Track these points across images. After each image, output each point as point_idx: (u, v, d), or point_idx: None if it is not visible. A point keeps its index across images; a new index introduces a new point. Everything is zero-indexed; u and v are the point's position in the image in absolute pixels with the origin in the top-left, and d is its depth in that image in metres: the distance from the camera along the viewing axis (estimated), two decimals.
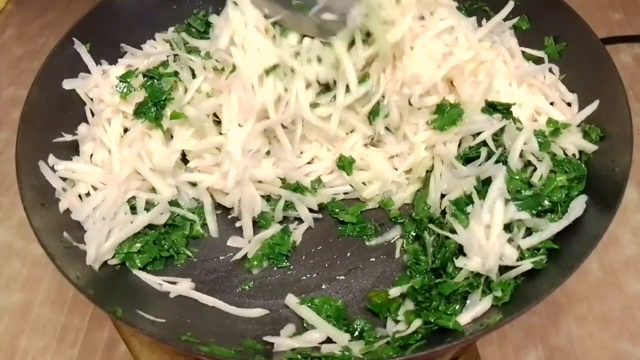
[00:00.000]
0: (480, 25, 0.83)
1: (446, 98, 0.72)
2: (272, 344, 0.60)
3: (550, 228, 0.61)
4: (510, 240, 0.62)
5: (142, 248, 0.68)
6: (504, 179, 0.63)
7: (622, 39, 1.00)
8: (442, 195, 0.69)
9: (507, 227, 0.62)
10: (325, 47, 0.69)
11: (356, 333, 0.62)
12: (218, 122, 0.74)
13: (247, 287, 0.68)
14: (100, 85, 0.76)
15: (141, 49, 0.82)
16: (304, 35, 0.71)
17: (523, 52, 0.78)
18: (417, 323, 0.59)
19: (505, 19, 0.80)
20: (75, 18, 0.79)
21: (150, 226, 0.70)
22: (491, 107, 0.71)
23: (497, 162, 0.65)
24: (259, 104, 0.70)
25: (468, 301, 0.60)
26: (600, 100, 0.69)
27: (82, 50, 0.77)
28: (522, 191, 0.63)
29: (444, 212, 0.67)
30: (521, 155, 0.65)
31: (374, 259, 0.70)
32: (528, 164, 0.66)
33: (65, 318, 0.75)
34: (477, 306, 0.59)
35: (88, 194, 0.71)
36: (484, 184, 0.64)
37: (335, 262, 0.70)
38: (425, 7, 0.73)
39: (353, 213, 0.73)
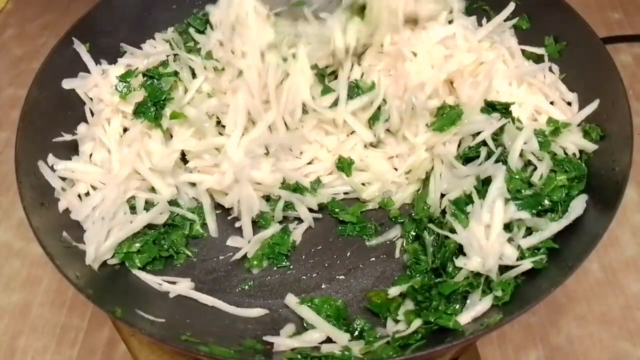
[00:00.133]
0: (480, 24, 0.83)
1: (446, 100, 0.72)
2: (272, 343, 0.60)
3: (551, 227, 0.61)
4: (510, 240, 0.61)
5: (142, 248, 0.68)
6: (504, 179, 0.63)
7: (622, 39, 1.00)
8: (442, 195, 0.69)
9: (507, 227, 0.62)
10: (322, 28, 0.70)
11: (356, 333, 0.62)
12: (217, 121, 0.74)
13: (246, 286, 0.68)
14: (99, 85, 0.76)
15: (141, 48, 0.82)
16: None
17: (523, 51, 0.78)
18: (417, 323, 0.59)
19: (505, 19, 0.79)
20: (75, 18, 0.79)
21: (149, 226, 0.70)
22: (490, 107, 0.71)
23: (496, 161, 0.65)
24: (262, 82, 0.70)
25: (468, 301, 0.60)
26: (601, 99, 0.69)
27: (82, 49, 0.77)
28: (522, 191, 0.63)
29: (443, 212, 0.67)
30: (521, 155, 0.65)
31: (373, 259, 0.70)
32: (528, 163, 0.66)
33: (65, 318, 0.75)
34: (477, 306, 0.59)
35: (87, 194, 0.71)
36: (484, 184, 0.64)
37: (335, 261, 0.70)
38: None
39: (353, 213, 0.73)
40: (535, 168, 0.64)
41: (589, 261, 0.75)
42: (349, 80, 0.74)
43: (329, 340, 0.61)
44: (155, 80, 0.74)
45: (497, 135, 0.68)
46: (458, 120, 0.70)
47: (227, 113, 0.73)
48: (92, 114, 0.77)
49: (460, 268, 0.61)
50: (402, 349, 0.56)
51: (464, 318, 0.58)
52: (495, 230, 0.61)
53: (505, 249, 0.60)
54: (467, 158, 0.69)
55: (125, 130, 0.75)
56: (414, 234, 0.69)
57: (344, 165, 0.73)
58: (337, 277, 0.68)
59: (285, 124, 0.73)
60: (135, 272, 0.67)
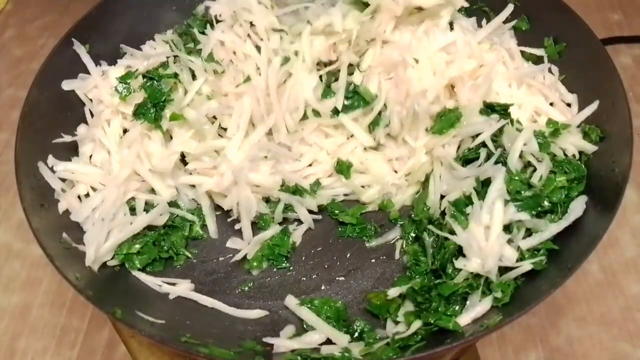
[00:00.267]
0: (480, 25, 0.83)
1: (446, 104, 0.72)
2: (272, 345, 0.60)
3: (550, 229, 0.61)
4: (510, 241, 0.61)
5: (142, 249, 0.68)
6: (504, 180, 0.63)
7: (622, 40, 1.00)
8: (442, 197, 0.69)
9: (507, 228, 0.62)
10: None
11: (356, 334, 0.61)
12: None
13: (246, 288, 0.68)
14: (99, 86, 0.76)
15: (141, 50, 0.82)
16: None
17: (522, 53, 0.78)
18: (417, 324, 0.59)
19: (505, 21, 0.79)
20: (75, 19, 0.79)
21: (149, 227, 0.70)
22: (489, 109, 0.71)
23: (496, 162, 0.65)
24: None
25: (468, 302, 0.60)
26: (600, 101, 0.69)
27: (82, 51, 0.77)
28: (522, 192, 0.63)
29: (443, 213, 0.67)
30: (521, 156, 0.65)
31: (373, 260, 0.70)
32: (528, 164, 0.66)
33: (65, 319, 0.75)
34: (477, 307, 0.59)
35: (87, 195, 0.70)
36: (484, 185, 0.64)
37: (335, 263, 0.70)
38: None
39: (353, 214, 0.72)
40: (535, 169, 0.64)
41: (589, 262, 0.75)
42: (350, 84, 0.73)
43: (328, 341, 0.61)
44: (155, 81, 0.73)
45: (496, 136, 0.68)
46: (457, 122, 0.70)
47: (229, 116, 0.72)
48: (92, 115, 0.76)
49: (460, 269, 0.61)
50: (402, 351, 0.56)
51: (464, 319, 0.58)
52: (495, 232, 0.61)
53: (505, 250, 0.60)
54: (466, 159, 0.69)
55: (125, 131, 0.75)
56: (413, 235, 0.69)
57: (343, 169, 0.73)
58: (337, 278, 0.68)
59: (286, 126, 0.73)
60: (135, 273, 0.67)
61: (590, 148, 0.67)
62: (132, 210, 0.70)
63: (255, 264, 0.69)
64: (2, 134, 0.94)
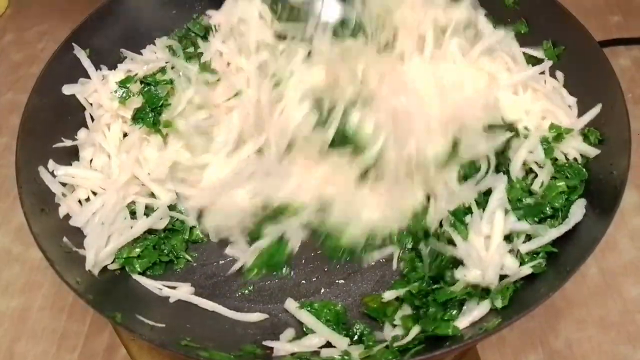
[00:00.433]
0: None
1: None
2: (272, 348, 0.60)
3: (550, 234, 0.61)
4: (509, 244, 0.61)
5: (142, 253, 0.68)
6: (505, 189, 0.62)
7: (620, 42, 1.00)
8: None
9: (507, 237, 0.62)
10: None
11: (355, 337, 0.61)
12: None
13: (246, 291, 0.68)
14: (99, 90, 0.76)
15: (141, 54, 0.82)
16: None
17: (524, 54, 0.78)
18: (415, 330, 0.59)
19: (505, 24, 0.79)
20: (75, 23, 0.79)
21: (149, 231, 0.70)
22: (495, 128, 0.69)
23: (497, 171, 0.65)
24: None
25: (465, 307, 0.60)
26: (599, 103, 0.70)
27: (82, 55, 0.77)
28: (523, 199, 0.63)
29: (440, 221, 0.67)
30: (523, 163, 0.65)
31: (373, 263, 0.69)
32: (529, 170, 0.66)
33: (65, 323, 0.75)
34: (475, 311, 0.58)
35: (88, 199, 0.71)
36: (484, 194, 0.64)
37: (335, 266, 0.70)
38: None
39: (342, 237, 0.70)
40: (536, 175, 0.64)
41: (588, 265, 0.75)
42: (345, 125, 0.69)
43: (328, 344, 0.61)
44: (152, 86, 0.74)
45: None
46: (456, 156, 0.68)
47: (218, 127, 0.72)
48: (93, 119, 0.77)
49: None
50: (401, 354, 0.56)
51: (462, 323, 0.58)
52: (496, 242, 0.60)
53: (505, 260, 0.60)
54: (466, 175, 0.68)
55: (125, 135, 0.75)
56: (409, 246, 0.68)
57: (325, 207, 0.69)
58: (337, 281, 0.68)
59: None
60: (136, 277, 0.67)
61: (592, 151, 0.67)
62: (133, 214, 0.70)
63: (254, 272, 0.68)
64: (2, 138, 0.94)
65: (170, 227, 0.71)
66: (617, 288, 0.75)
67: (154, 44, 0.84)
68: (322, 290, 0.67)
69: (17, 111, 0.71)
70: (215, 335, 0.61)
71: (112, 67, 0.80)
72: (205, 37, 0.84)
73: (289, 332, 0.63)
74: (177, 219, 0.72)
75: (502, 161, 0.68)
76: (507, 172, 0.66)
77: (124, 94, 0.74)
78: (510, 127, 0.70)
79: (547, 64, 0.75)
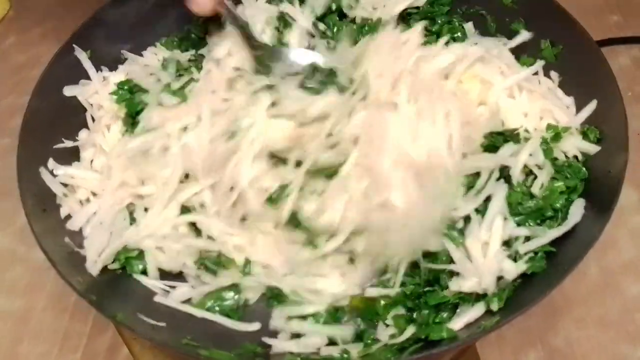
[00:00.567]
0: (476, 29, 0.83)
1: None
2: (271, 346, 0.60)
3: (550, 234, 0.61)
4: (508, 247, 0.61)
5: (141, 253, 0.68)
6: (505, 196, 0.62)
7: (620, 41, 1.00)
8: None
9: (506, 242, 0.62)
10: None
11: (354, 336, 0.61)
12: None
13: None
14: (100, 91, 0.77)
15: (142, 55, 0.82)
16: None
17: (518, 59, 0.78)
18: (410, 330, 0.58)
19: (501, 25, 0.79)
20: (76, 25, 0.79)
21: None
22: (496, 143, 0.68)
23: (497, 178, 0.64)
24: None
25: (459, 309, 0.59)
26: (597, 102, 0.70)
27: (83, 57, 0.78)
28: (523, 203, 0.63)
29: None
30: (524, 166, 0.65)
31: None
32: (529, 172, 0.66)
33: (67, 323, 0.76)
34: (470, 313, 0.58)
35: (88, 200, 0.71)
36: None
37: None
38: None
39: None
40: (536, 177, 0.65)
41: (588, 264, 0.75)
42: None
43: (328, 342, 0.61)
44: (130, 93, 0.75)
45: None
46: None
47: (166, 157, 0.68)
48: (94, 120, 0.77)
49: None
50: (400, 352, 0.56)
51: (457, 324, 0.57)
52: (494, 248, 0.60)
53: (504, 265, 0.59)
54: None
55: None
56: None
57: (274, 295, 0.64)
58: None
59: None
60: (137, 276, 0.67)
61: (592, 149, 0.67)
62: (132, 214, 0.70)
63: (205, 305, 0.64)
64: (4, 140, 0.94)
65: None
66: (616, 286, 0.75)
67: (155, 45, 0.85)
68: None
69: (19, 113, 0.71)
70: (216, 334, 0.62)
71: (113, 68, 0.81)
72: (205, 39, 0.85)
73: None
74: None
75: (502, 167, 0.67)
76: (507, 177, 0.66)
77: (123, 95, 0.75)
78: (511, 133, 0.69)
79: (540, 64, 0.75)
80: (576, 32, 0.74)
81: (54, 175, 0.70)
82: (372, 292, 0.62)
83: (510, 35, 0.81)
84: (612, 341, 0.71)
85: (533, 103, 0.73)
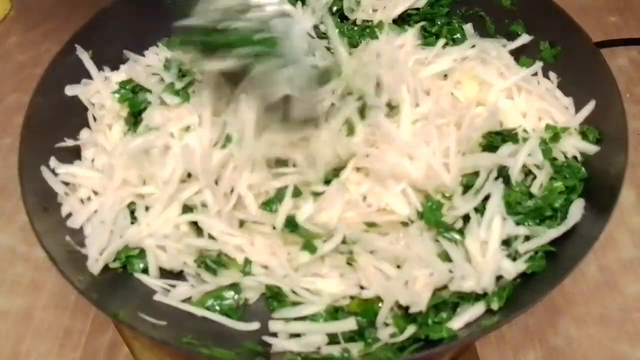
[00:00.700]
0: (476, 29, 0.83)
1: None
2: (272, 345, 0.60)
3: (549, 234, 0.61)
4: (507, 247, 0.62)
5: (142, 252, 0.68)
6: (502, 196, 0.63)
7: (619, 42, 1.01)
8: None
9: (505, 241, 0.62)
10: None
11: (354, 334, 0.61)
12: None
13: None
14: (101, 91, 0.77)
15: (144, 55, 0.83)
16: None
17: (517, 60, 0.78)
18: (410, 330, 0.58)
19: (499, 26, 0.80)
20: (78, 25, 0.80)
21: None
22: (494, 143, 0.68)
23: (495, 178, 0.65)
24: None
25: (459, 309, 0.60)
26: (596, 103, 0.70)
27: (85, 56, 0.78)
28: (523, 203, 0.63)
29: None
30: (522, 166, 0.66)
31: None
32: (528, 172, 0.67)
33: (68, 321, 0.76)
34: (469, 312, 0.58)
35: (89, 199, 0.71)
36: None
37: None
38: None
39: None
40: (535, 177, 0.65)
41: (587, 263, 0.75)
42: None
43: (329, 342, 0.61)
44: (132, 92, 0.75)
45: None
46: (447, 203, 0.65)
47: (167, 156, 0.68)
48: (95, 119, 0.77)
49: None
50: (400, 351, 0.56)
51: (457, 324, 0.57)
52: (493, 248, 0.60)
53: (503, 264, 0.60)
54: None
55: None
56: None
57: (274, 294, 0.64)
58: None
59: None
60: (137, 275, 0.67)
61: (591, 149, 0.67)
62: (133, 214, 0.70)
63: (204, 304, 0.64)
64: (6, 139, 0.95)
65: None
66: (616, 286, 0.75)
67: (157, 45, 0.85)
68: None
69: (21, 112, 0.72)
70: (216, 333, 0.62)
71: (115, 68, 0.81)
72: None
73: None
74: None
75: (500, 167, 0.68)
76: (506, 177, 0.66)
77: (125, 94, 0.76)
78: (509, 133, 0.70)
79: (538, 65, 0.76)
80: (575, 33, 0.74)
81: (56, 174, 0.70)
82: (367, 293, 0.62)
83: (510, 36, 0.81)
84: (611, 341, 0.71)
85: (531, 104, 0.73)
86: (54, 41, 1.07)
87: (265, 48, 0.60)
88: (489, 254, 0.60)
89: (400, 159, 0.65)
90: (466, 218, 0.64)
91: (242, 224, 0.67)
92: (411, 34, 0.79)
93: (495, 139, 0.69)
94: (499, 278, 0.60)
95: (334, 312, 0.63)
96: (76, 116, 0.77)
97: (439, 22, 0.85)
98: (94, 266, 0.64)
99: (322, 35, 0.85)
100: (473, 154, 0.68)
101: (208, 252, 0.67)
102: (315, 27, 0.85)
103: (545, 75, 0.77)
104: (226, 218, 0.66)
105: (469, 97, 0.73)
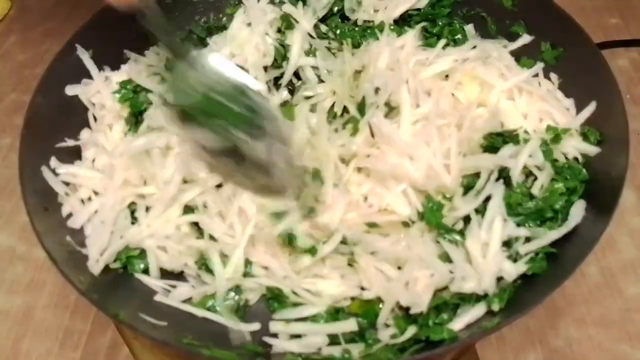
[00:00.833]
0: (477, 30, 0.83)
1: None
2: (272, 346, 0.60)
3: (550, 236, 0.61)
4: (508, 248, 0.62)
5: (143, 252, 0.68)
6: (503, 197, 0.63)
7: (619, 43, 1.01)
8: None
9: (506, 242, 0.62)
10: None
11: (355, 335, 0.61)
12: None
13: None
14: (102, 91, 0.77)
15: (144, 55, 0.83)
16: None
17: (518, 60, 0.78)
18: (411, 331, 0.58)
19: (500, 27, 0.79)
20: (78, 25, 0.79)
21: None
22: (495, 144, 0.68)
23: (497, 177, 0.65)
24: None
25: (459, 310, 0.59)
26: (597, 104, 0.70)
27: (85, 56, 0.78)
28: (523, 204, 0.63)
29: None
30: (523, 167, 0.66)
31: None
32: (529, 173, 0.67)
33: (68, 321, 0.76)
34: (470, 313, 0.58)
35: (90, 199, 0.71)
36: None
37: None
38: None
39: None
40: (535, 178, 0.65)
41: (588, 264, 0.76)
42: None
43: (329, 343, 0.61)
44: (133, 93, 0.75)
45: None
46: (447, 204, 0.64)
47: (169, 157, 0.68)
48: (96, 119, 0.77)
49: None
50: (401, 352, 0.56)
51: (458, 325, 0.57)
52: (493, 249, 0.60)
53: (503, 266, 0.60)
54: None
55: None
56: None
57: (275, 296, 0.64)
58: None
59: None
60: (138, 275, 0.67)
61: (591, 150, 0.67)
62: (133, 214, 0.70)
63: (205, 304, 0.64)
64: (6, 138, 0.95)
65: None
66: (616, 287, 0.75)
67: (157, 45, 0.85)
68: None
69: (22, 111, 0.71)
70: (217, 333, 0.62)
71: (115, 67, 0.81)
72: (206, 39, 0.85)
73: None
74: None
75: (501, 168, 0.68)
76: (506, 178, 0.66)
77: (125, 94, 0.75)
78: (510, 134, 0.69)
79: (539, 66, 0.76)
80: (576, 35, 0.74)
81: (56, 174, 0.70)
82: (368, 294, 0.62)
83: (511, 37, 0.81)
84: (612, 341, 0.71)
85: (532, 105, 0.73)
86: (54, 41, 1.07)
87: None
88: (489, 255, 0.60)
89: (400, 159, 0.66)
90: (467, 219, 0.64)
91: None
92: (412, 35, 0.79)
93: (496, 140, 0.69)
94: (499, 279, 0.60)
95: (335, 313, 0.63)
96: (76, 116, 0.77)
97: (440, 23, 0.85)
98: (95, 267, 0.64)
99: (323, 36, 0.85)
100: (474, 155, 0.68)
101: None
102: (316, 27, 0.85)
103: (546, 77, 0.76)
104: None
105: (470, 98, 0.73)
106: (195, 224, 0.68)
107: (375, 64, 0.73)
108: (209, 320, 0.64)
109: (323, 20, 0.87)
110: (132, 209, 0.70)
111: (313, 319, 0.62)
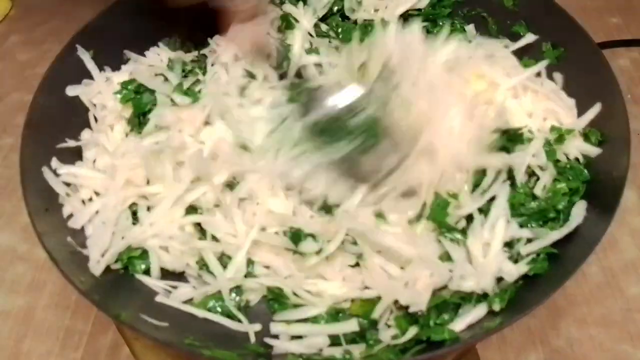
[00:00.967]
0: (478, 30, 0.83)
1: None
2: (273, 347, 0.60)
3: (552, 236, 0.61)
4: (510, 248, 0.62)
5: (144, 253, 0.68)
6: (507, 197, 0.63)
7: (620, 43, 1.01)
8: None
9: (508, 243, 0.62)
10: None
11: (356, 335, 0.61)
12: None
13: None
14: (103, 91, 0.77)
15: (145, 56, 0.83)
16: None
17: (520, 59, 0.78)
18: (412, 331, 0.58)
19: (501, 28, 0.79)
20: (79, 24, 0.80)
21: None
22: (503, 146, 0.68)
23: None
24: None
25: (460, 310, 0.59)
26: (599, 104, 0.70)
27: (86, 56, 0.78)
28: (526, 204, 0.63)
29: None
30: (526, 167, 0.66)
31: None
32: (532, 173, 0.67)
33: (69, 322, 0.76)
34: (472, 314, 0.58)
35: (91, 200, 0.71)
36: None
37: None
38: None
39: None
40: (538, 178, 0.65)
41: (589, 264, 0.75)
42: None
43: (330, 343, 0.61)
44: (136, 93, 0.75)
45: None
46: (453, 202, 0.65)
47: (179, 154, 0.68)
48: (97, 120, 0.77)
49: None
50: (402, 353, 0.56)
51: (459, 325, 0.57)
52: (495, 249, 0.60)
53: (504, 266, 0.60)
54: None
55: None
56: None
57: (276, 296, 0.64)
58: None
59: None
60: (139, 276, 0.67)
61: (593, 151, 0.68)
62: (135, 214, 0.70)
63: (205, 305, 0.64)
64: (7, 139, 0.95)
65: None
66: (618, 287, 0.75)
67: (158, 45, 0.85)
68: None
69: (23, 111, 0.71)
70: (218, 334, 0.62)
71: (116, 68, 0.81)
72: (205, 40, 0.85)
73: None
74: None
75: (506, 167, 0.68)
76: (510, 177, 0.66)
77: (126, 95, 0.75)
78: (515, 132, 0.69)
79: (544, 62, 0.76)
80: (577, 34, 0.74)
81: (57, 175, 0.70)
82: (368, 293, 0.62)
83: (512, 37, 0.81)
84: (613, 341, 0.71)
85: (537, 104, 0.73)
86: (55, 41, 1.07)
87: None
88: (490, 255, 0.60)
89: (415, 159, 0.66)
90: (469, 218, 0.64)
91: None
92: (417, 28, 0.76)
93: (500, 138, 0.69)
94: (501, 280, 0.60)
95: (336, 314, 0.63)
96: (77, 116, 0.77)
97: (441, 23, 0.85)
98: (96, 268, 0.64)
99: (323, 34, 0.85)
100: (484, 153, 0.68)
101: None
102: (316, 27, 0.85)
103: (550, 77, 0.76)
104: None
105: (477, 96, 0.73)
106: (198, 225, 0.68)
107: (383, 55, 0.72)
108: (210, 321, 0.64)
109: (323, 19, 0.87)
110: (133, 209, 0.70)
111: (314, 320, 0.62)
